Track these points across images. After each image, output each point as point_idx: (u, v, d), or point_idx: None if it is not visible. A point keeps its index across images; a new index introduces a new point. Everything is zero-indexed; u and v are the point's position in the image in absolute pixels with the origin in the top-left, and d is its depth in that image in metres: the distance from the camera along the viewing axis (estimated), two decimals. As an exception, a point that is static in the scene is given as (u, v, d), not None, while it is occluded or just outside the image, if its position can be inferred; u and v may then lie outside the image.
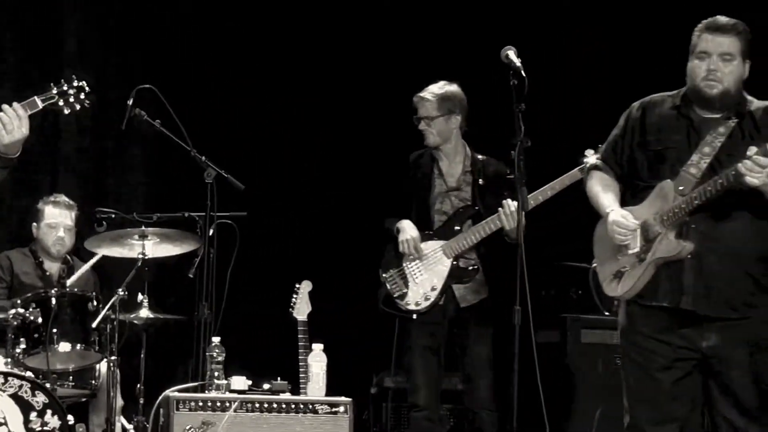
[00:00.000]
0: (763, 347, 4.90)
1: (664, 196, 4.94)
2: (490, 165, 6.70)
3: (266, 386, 6.22)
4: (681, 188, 4.89)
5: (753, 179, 4.67)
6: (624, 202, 5.13)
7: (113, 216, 6.97)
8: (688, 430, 5.02)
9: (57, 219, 7.25)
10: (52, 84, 5.93)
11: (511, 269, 6.52)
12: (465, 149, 6.75)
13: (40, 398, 6.05)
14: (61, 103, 5.88)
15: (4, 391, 6.00)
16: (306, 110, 8.62)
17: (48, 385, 6.21)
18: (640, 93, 5.25)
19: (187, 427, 5.94)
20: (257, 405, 6.04)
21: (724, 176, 4.76)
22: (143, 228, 6.75)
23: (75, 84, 5.96)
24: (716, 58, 4.93)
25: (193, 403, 5.99)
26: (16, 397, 6.00)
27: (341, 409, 6.11)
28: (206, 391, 6.11)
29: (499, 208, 6.38)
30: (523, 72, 5.16)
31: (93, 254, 7.04)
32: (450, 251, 6.55)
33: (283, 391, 6.18)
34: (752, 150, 4.68)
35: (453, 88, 6.68)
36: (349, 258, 6.93)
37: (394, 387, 7.07)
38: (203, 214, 6.57)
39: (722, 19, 4.99)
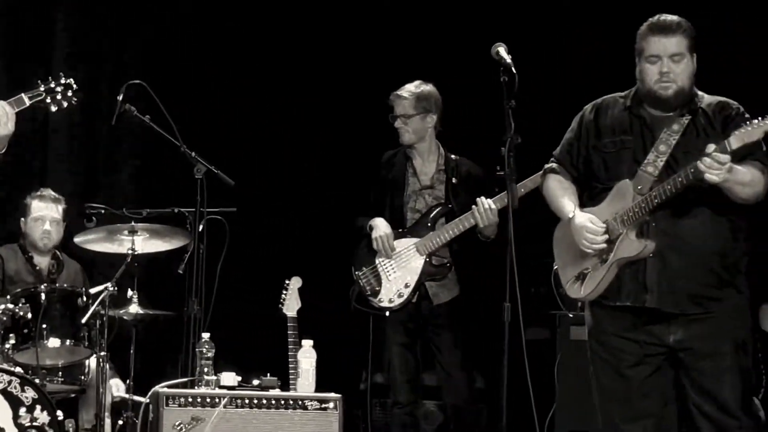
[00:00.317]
0: (738, 338, 4.95)
1: (623, 196, 4.97)
2: (463, 164, 6.80)
3: (256, 382, 6.22)
4: (639, 187, 4.93)
5: (713, 176, 4.70)
6: (582, 205, 5.17)
7: (103, 211, 6.97)
8: (663, 426, 5.05)
9: (43, 212, 7.24)
10: (39, 81, 5.93)
11: (485, 267, 6.59)
12: (439, 148, 6.84)
13: (30, 394, 6.05)
14: (48, 100, 5.87)
15: (-7, 386, 6.00)
16: (295, 106, 8.61)
17: (37, 381, 6.20)
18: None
19: (177, 423, 5.94)
20: (247, 401, 6.04)
21: (684, 174, 4.80)
22: (133, 223, 6.75)
23: (62, 81, 5.96)
24: (667, 60, 4.96)
25: (182, 399, 5.99)
26: (5, 393, 6.00)
27: (331, 405, 6.11)
28: (196, 387, 6.10)
29: (473, 206, 6.42)
30: (513, 69, 5.16)
31: (83, 250, 7.03)
32: (423, 249, 6.60)
33: (273, 387, 6.18)
34: (711, 147, 4.71)
35: (429, 87, 6.77)
36: (339, 254, 6.92)
37: (383, 383, 7.06)
38: (193, 209, 6.56)
39: (666, 19, 5.02)
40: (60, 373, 6.63)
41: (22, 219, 7.30)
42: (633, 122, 5.08)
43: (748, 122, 4.72)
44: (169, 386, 6.09)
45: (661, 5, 5.20)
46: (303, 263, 7.16)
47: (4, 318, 6.34)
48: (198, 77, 8.47)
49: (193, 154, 6.60)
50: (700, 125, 4.94)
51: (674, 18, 5.02)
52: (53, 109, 5.97)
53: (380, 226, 6.65)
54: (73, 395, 6.86)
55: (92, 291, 6.67)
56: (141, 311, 6.67)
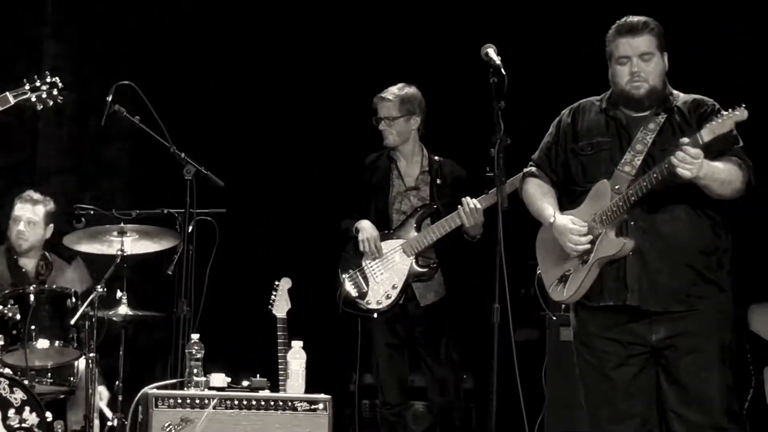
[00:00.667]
0: (720, 335, 4.95)
1: (601, 196, 5.00)
2: (446, 166, 6.84)
3: (245, 383, 6.21)
4: (617, 187, 4.95)
5: (685, 171, 4.72)
6: (562, 208, 5.18)
7: (92, 212, 6.96)
8: (649, 426, 5.05)
9: (18, 213, 7.23)
10: (25, 80, 5.93)
11: (471, 267, 6.60)
12: (422, 150, 6.88)
13: (19, 395, 6.05)
14: (33, 98, 5.88)
15: (-18, 388, 6.00)
16: (285, 108, 8.61)
17: (26, 382, 6.20)
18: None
19: (166, 424, 5.94)
20: (236, 402, 6.03)
21: (659, 170, 4.82)
22: (122, 224, 6.73)
23: (48, 80, 5.97)
24: (636, 60, 5.00)
25: (172, 400, 5.98)
26: (-6, 394, 6.00)
27: (320, 406, 6.11)
28: (185, 388, 6.09)
29: (459, 206, 6.44)
30: (502, 70, 5.17)
31: (73, 251, 7.02)
32: (410, 250, 6.62)
33: (263, 388, 6.18)
34: (684, 140, 4.74)
35: (412, 89, 6.82)
36: (328, 255, 6.92)
37: (372, 384, 7.07)
38: (182, 210, 6.56)
39: (632, 20, 5.07)
40: (49, 374, 6.62)
41: (9, 222, 7.29)
42: (609, 124, 5.10)
43: (718, 114, 4.75)
44: (158, 387, 6.08)
45: (660, 5, 5.22)
46: (292, 264, 7.16)
47: (-7, 319, 6.34)
48: (187, 79, 8.47)
49: (183, 155, 6.60)
50: (676, 123, 4.96)
51: (641, 18, 5.05)
52: (39, 107, 5.98)
53: (367, 229, 6.67)
54: (62, 396, 6.86)
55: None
56: (130, 312, 6.66)
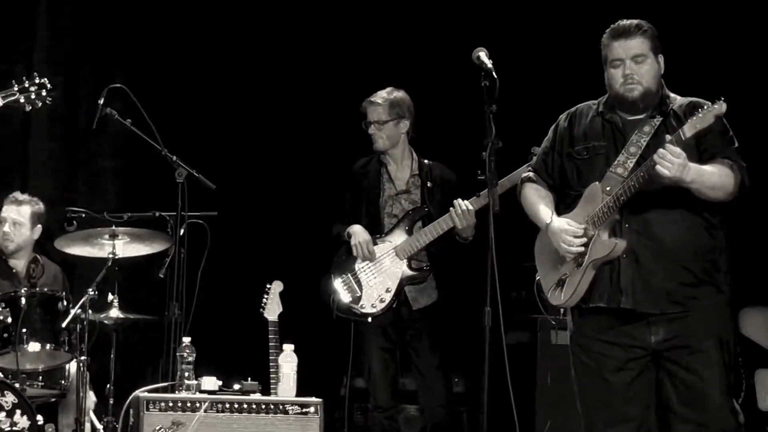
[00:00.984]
0: (717, 336, 4.94)
1: (593, 198, 5.01)
2: (436, 169, 6.85)
3: (237, 386, 6.22)
4: (608, 188, 4.95)
5: (664, 169, 4.72)
6: (559, 212, 5.18)
7: (84, 215, 6.95)
8: (644, 429, 5.04)
9: (3, 214, 7.22)
10: (14, 81, 5.92)
11: (463, 270, 6.61)
12: (412, 154, 6.88)
13: (9, 398, 6.05)
14: (22, 100, 5.88)
15: (-28, 391, 5.99)
16: (277, 111, 8.60)
17: (17, 385, 6.19)
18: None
19: (157, 428, 5.93)
20: (227, 405, 6.03)
21: (645, 168, 4.82)
22: (114, 227, 6.73)
23: (37, 81, 5.96)
24: (630, 62, 5.00)
25: (163, 404, 5.98)
26: (-16, 398, 5.99)
27: (311, 409, 6.11)
28: (176, 392, 6.09)
29: (451, 208, 6.45)
30: (494, 73, 5.17)
31: (63, 254, 7.01)
32: (402, 253, 6.63)
33: (254, 392, 6.18)
34: (667, 137, 4.75)
35: (401, 93, 6.83)
36: (320, 259, 6.91)
37: (364, 388, 7.07)
38: (174, 213, 6.56)
39: (624, 23, 5.08)
40: (40, 377, 6.61)
41: (-3, 224, 7.28)
42: (605, 127, 5.11)
43: (700, 110, 4.75)
44: (149, 391, 6.07)
45: (660, 5, 5.24)
46: (284, 267, 7.15)
47: (-16, 322, 6.32)
48: (179, 82, 8.46)
49: (175, 158, 6.59)
50: (671, 126, 4.94)
51: (634, 21, 5.06)
52: (28, 108, 5.98)
53: (359, 233, 6.67)
54: (53, 400, 6.84)
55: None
56: (121, 315, 6.65)
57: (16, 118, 7.75)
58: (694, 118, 4.73)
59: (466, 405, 7.71)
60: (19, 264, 7.26)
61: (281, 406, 6.09)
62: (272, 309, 6.50)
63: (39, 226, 7.27)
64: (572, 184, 5.15)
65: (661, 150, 4.72)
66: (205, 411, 5.99)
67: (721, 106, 4.72)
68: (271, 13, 8.70)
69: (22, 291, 6.54)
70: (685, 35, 5.05)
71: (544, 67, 8.47)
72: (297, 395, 6.19)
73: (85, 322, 6.49)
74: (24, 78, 6.03)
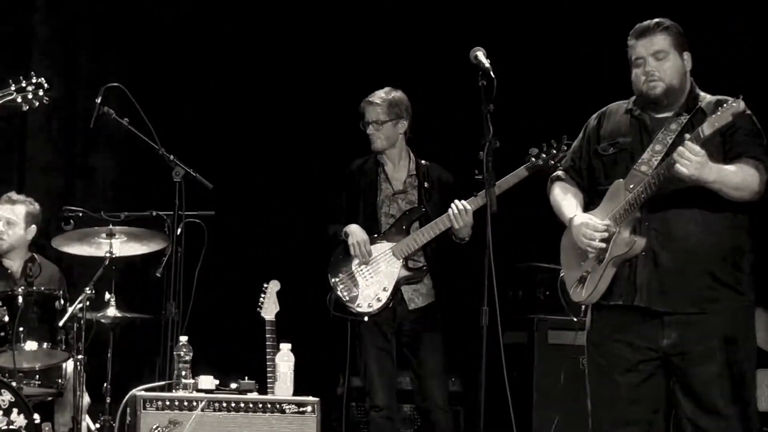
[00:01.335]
0: (731, 340, 4.88)
1: (616, 195, 4.98)
2: (433, 169, 6.86)
3: (233, 386, 6.22)
4: (631, 186, 4.92)
5: (682, 168, 4.69)
6: (586, 210, 5.16)
7: (80, 214, 6.94)
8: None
9: None
10: (11, 81, 5.92)
11: (460, 270, 6.61)
12: (409, 154, 6.89)
13: (6, 397, 6.04)
14: (19, 99, 5.88)
15: (-30, 389, 5.98)
16: (274, 110, 8.61)
17: (14, 384, 6.18)
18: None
19: (154, 427, 5.93)
20: (224, 404, 6.04)
21: (665, 166, 4.79)
22: (111, 227, 6.72)
23: (33, 81, 5.96)
24: (651, 60, 4.98)
25: (160, 403, 5.98)
26: (-19, 396, 5.99)
27: (308, 408, 6.12)
28: (173, 391, 6.10)
29: (449, 209, 6.45)
30: (492, 73, 5.17)
31: (60, 253, 7.01)
32: (399, 253, 6.63)
33: (251, 391, 6.18)
34: (686, 136, 4.72)
35: (399, 93, 6.84)
36: (317, 258, 6.92)
37: (361, 387, 7.08)
38: (171, 213, 6.55)
39: (647, 22, 5.06)
40: (37, 376, 6.60)
41: (-8, 223, 7.28)
42: (633, 125, 5.08)
43: (720, 108, 4.71)
44: (146, 390, 6.08)
45: (660, 5, 5.23)
46: (281, 267, 7.16)
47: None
48: (177, 81, 8.46)
49: (172, 157, 6.59)
50: (699, 123, 4.85)
51: (655, 19, 5.04)
52: (24, 108, 5.98)
53: (356, 233, 6.68)
54: (49, 398, 6.84)
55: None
56: (118, 314, 6.65)
57: (14, 117, 7.74)
58: (713, 116, 4.69)
59: (462, 404, 7.71)
60: (13, 264, 7.25)
61: (278, 405, 6.09)
62: (269, 308, 6.51)
63: (33, 226, 7.25)
64: (600, 182, 5.13)
65: (680, 148, 4.69)
66: (202, 410, 6.00)
67: (739, 104, 4.68)
68: (270, 13, 8.70)
69: (19, 290, 6.53)
70: (685, 35, 5.02)
71: (542, 66, 8.47)
72: (294, 394, 6.19)
73: (82, 321, 6.49)
74: (21, 77, 6.02)
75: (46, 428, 6.46)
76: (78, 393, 6.47)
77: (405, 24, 8.66)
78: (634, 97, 5.14)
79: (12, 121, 8.00)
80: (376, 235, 6.70)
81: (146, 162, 7.22)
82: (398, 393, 6.99)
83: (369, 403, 6.71)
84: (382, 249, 6.67)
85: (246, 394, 6.14)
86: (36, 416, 6.17)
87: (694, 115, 4.95)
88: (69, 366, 6.71)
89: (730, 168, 4.80)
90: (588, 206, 5.19)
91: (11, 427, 6.02)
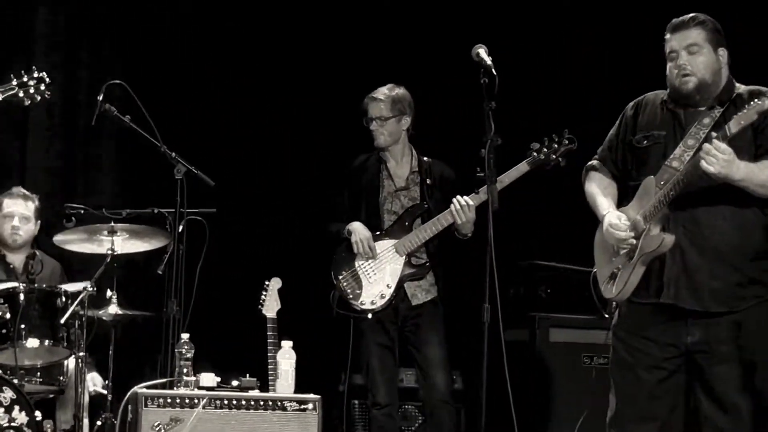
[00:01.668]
0: (756, 340, 4.86)
1: (648, 191, 4.95)
2: (436, 166, 6.87)
3: (235, 383, 6.22)
4: (662, 182, 4.89)
5: (708, 166, 4.66)
6: (620, 204, 5.14)
7: (82, 212, 6.94)
8: (668, 429, 5.01)
9: (11, 208, 7.21)
10: (12, 75, 5.92)
11: (462, 267, 6.61)
12: (411, 151, 6.90)
13: (8, 394, 6.03)
14: (21, 94, 5.87)
15: (-29, 387, 5.98)
16: (276, 108, 8.60)
17: (16, 381, 6.18)
18: (639, 93, 5.27)
19: (156, 424, 5.93)
20: (226, 402, 6.03)
21: (692, 164, 4.77)
22: (112, 224, 6.72)
23: (35, 75, 5.95)
24: (684, 53, 4.95)
25: (161, 400, 5.98)
26: (-17, 394, 5.99)
27: (310, 406, 6.11)
28: (175, 388, 6.09)
29: (451, 205, 6.45)
30: (494, 70, 5.17)
31: (62, 249, 7.01)
32: (402, 249, 6.64)
33: (252, 388, 6.18)
34: (712, 134, 4.69)
35: (402, 90, 6.86)
36: (319, 255, 6.92)
37: (362, 384, 7.08)
38: (173, 210, 6.55)
39: (682, 17, 5.02)
40: (38, 373, 6.59)
41: (-6, 218, 7.28)
42: (666, 118, 5.05)
43: (747, 105, 4.68)
44: (148, 387, 6.08)
45: (661, 5, 5.23)
46: (282, 264, 7.16)
47: (-18, 318, 6.32)
48: (179, 79, 8.45)
49: (174, 154, 6.58)
50: (731, 117, 4.81)
51: (691, 14, 5.01)
52: (26, 103, 5.97)
53: (359, 230, 6.68)
54: (51, 396, 6.83)
55: (71, 288, 6.66)
56: (120, 312, 6.65)
57: (15, 112, 7.73)
58: (740, 114, 4.67)
59: (464, 402, 7.70)
60: (17, 259, 7.26)
61: (280, 403, 6.09)
62: (271, 306, 6.51)
63: (39, 221, 7.29)
64: (632, 175, 5.12)
65: (706, 146, 4.67)
66: (204, 407, 5.99)
67: (764, 102, 4.64)
68: (272, 11, 8.70)
69: (21, 287, 6.53)
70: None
71: (543, 64, 8.47)
72: (295, 392, 6.19)
73: (83, 318, 6.49)
74: (22, 72, 6.02)
75: (48, 426, 6.46)
76: (80, 390, 6.48)
77: (406, 22, 8.66)
78: (669, 90, 5.10)
79: (13, 116, 7.98)
80: (378, 233, 6.71)
81: (148, 159, 7.22)
82: (400, 390, 7.00)
83: (371, 400, 6.72)
84: (385, 246, 6.67)
85: (247, 392, 6.14)
86: (37, 413, 6.17)
87: (728, 109, 4.91)
88: (71, 363, 6.71)
89: (758, 165, 4.78)
90: (622, 198, 5.17)
91: (13, 424, 6.02)
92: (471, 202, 6.43)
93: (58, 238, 6.86)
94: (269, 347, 6.34)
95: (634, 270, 4.96)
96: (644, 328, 4.99)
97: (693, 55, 4.94)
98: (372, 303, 6.63)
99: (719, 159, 4.65)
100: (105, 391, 6.63)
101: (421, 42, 8.56)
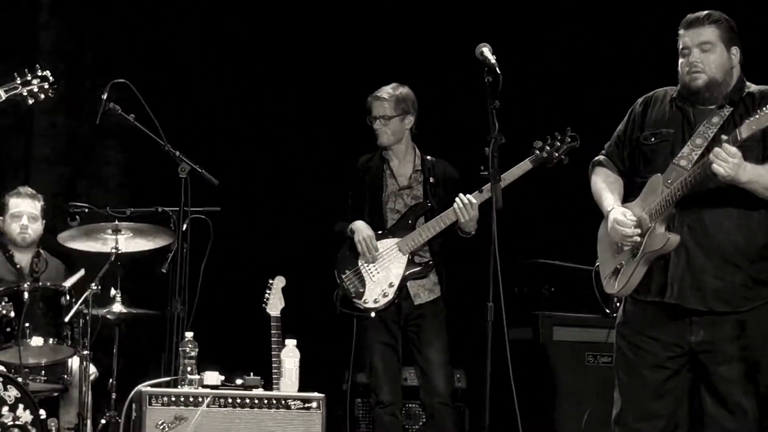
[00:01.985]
0: (761, 341, 4.86)
1: (654, 189, 4.93)
2: (439, 165, 6.87)
3: (239, 381, 6.21)
4: (669, 181, 4.87)
5: (719, 168, 4.65)
6: (626, 200, 5.12)
7: (86, 210, 6.95)
8: (671, 427, 5.01)
9: (20, 208, 7.22)
10: (16, 74, 5.92)
11: (465, 265, 6.61)
12: (414, 150, 6.90)
13: (12, 392, 6.04)
14: (24, 93, 5.87)
15: (-24, 385, 5.99)
16: (280, 107, 8.61)
17: (20, 380, 6.19)
18: (640, 93, 5.27)
19: (160, 422, 5.94)
20: (230, 400, 6.03)
21: (701, 166, 4.75)
22: (116, 222, 6.73)
23: (39, 74, 5.96)
24: (696, 51, 4.92)
25: (165, 398, 5.98)
26: (-13, 392, 6.00)
27: (314, 404, 6.11)
28: (179, 386, 6.09)
29: (454, 203, 6.45)
30: (497, 69, 5.17)
31: (66, 248, 7.01)
32: (405, 248, 6.65)
33: (256, 387, 6.18)
34: (723, 137, 4.67)
35: (406, 89, 6.86)
36: (323, 254, 6.93)
37: (366, 383, 7.08)
38: (177, 209, 6.55)
39: (696, 13, 4.99)
40: (43, 371, 6.61)
41: (0, 217, 7.27)
42: (675, 115, 5.03)
43: (759, 110, 4.66)
44: (152, 385, 6.08)
45: (661, 5, 5.22)
46: (286, 262, 7.16)
47: (-13, 316, 6.33)
48: (183, 77, 8.46)
49: (178, 153, 6.59)
50: (741, 116, 4.82)
51: (705, 11, 4.98)
52: (30, 101, 5.97)
53: (362, 229, 6.69)
54: (55, 394, 6.84)
55: (68, 283, 6.67)
56: (124, 310, 6.66)
57: (19, 112, 7.74)
58: (752, 118, 4.64)
59: (467, 400, 7.71)
60: (23, 258, 7.27)
61: (283, 401, 6.09)
62: (274, 304, 6.51)
63: (44, 220, 7.30)
64: (639, 171, 5.10)
65: (716, 149, 4.64)
66: (208, 406, 6.00)
67: None
68: (274, 11, 8.71)
69: (25, 285, 6.54)
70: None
71: (545, 62, 8.47)
72: (299, 390, 6.18)
73: (87, 317, 6.50)
74: (26, 71, 6.02)
75: (52, 424, 6.47)
76: (84, 389, 6.48)
77: (408, 21, 8.66)
78: (679, 86, 5.08)
79: (18, 115, 7.99)
80: (381, 231, 6.71)
81: (152, 158, 7.22)
82: (403, 389, 7.00)
83: (374, 399, 6.73)
84: (388, 245, 6.68)
85: (251, 390, 6.13)
86: (42, 412, 6.18)
87: (737, 108, 4.90)
88: (75, 362, 6.72)
89: (764, 167, 4.76)
90: (628, 194, 5.16)
91: (17, 422, 6.03)
92: (474, 200, 6.44)
93: (63, 237, 6.85)
94: (273, 346, 6.34)
95: (637, 267, 4.95)
96: (648, 327, 4.98)
97: (705, 53, 4.92)
98: (375, 301, 6.63)
99: (729, 162, 4.64)
100: (93, 373, 6.67)
101: (424, 41, 8.57)
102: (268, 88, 8.61)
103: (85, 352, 6.48)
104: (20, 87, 5.91)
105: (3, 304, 6.36)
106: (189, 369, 6.12)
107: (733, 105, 4.92)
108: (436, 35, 8.55)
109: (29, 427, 6.05)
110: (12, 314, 6.37)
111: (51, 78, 6.06)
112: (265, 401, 6.08)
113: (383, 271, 6.66)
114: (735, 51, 4.99)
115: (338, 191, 6.94)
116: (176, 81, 8.37)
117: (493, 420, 5.15)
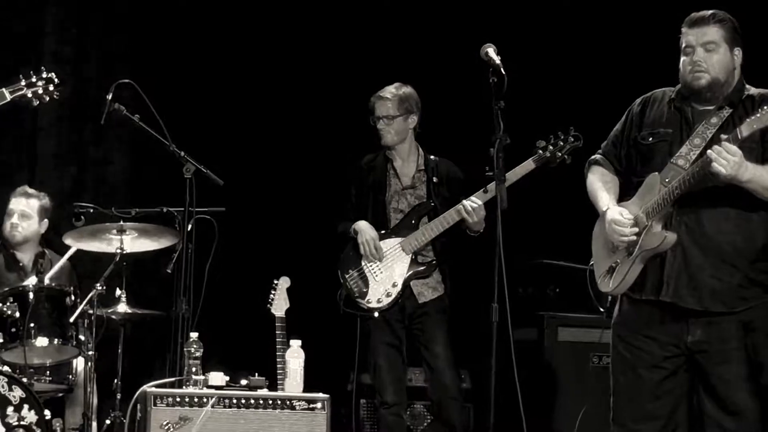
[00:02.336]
0: (758, 341, 4.85)
1: (651, 188, 4.93)
2: (442, 164, 6.89)
3: (244, 382, 6.21)
4: (667, 180, 4.87)
5: (719, 167, 4.64)
6: (622, 199, 5.12)
7: (91, 210, 6.95)
8: (670, 427, 5.00)
9: (11, 206, 7.26)
10: (20, 76, 5.93)
11: (468, 264, 6.61)
12: (418, 149, 6.92)
13: (17, 393, 6.04)
14: (29, 94, 5.88)
15: (-19, 385, 5.99)
16: (284, 106, 8.61)
17: (25, 380, 6.19)
18: (643, 92, 5.26)
19: (164, 423, 5.94)
20: (234, 401, 6.03)
21: (700, 164, 4.75)
22: (121, 223, 6.73)
23: (44, 76, 5.96)
24: (700, 50, 4.91)
25: (170, 399, 5.98)
26: (-8, 392, 6.00)
27: (318, 405, 6.11)
28: (184, 387, 6.10)
29: (460, 205, 6.45)
30: (502, 69, 5.16)
31: (69, 248, 7.02)
32: (409, 247, 6.66)
33: (261, 387, 6.18)
34: (723, 136, 4.67)
35: (409, 89, 6.88)
36: (327, 254, 6.93)
37: (371, 383, 7.08)
38: (182, 209, 6.55)
39: (701, 12, 4.99)
40: (47, 372, 6.61)
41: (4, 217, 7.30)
42: (674, 115, 5.03)
43: (760, 110, 4.66)
44: (157, 386, 6.08)
45: (661, 5, 5.21)
46: (291, 263, 7.15)
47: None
48: (187, 77, 8.47)
49: (182, 153, 6.58)
50: (740, 117, 4.81)
51: (710, 11, 4.98)
52: (35, 103, 5.98)
53: (365, 230, 6.70)
54: (60, 395, 6.85)
55: (56, 267, 6.68)
56: (129, 310, 6.67)
57: (25, 113, 7.75)
58: (752, 117, 4.64)
59: (473, 401, 7.70)
60: (25, 257, 7.29)
61: (288, 402, 6.09)
62: (279, 305, 6.51)
63: (46, 220, 7.31)
64: (636, 171, 5.09)
65: (716, 147, 4.64)
66: (213, 406, 6.00)
67: None
68: (279, 11, 8.71)
69: (30, 285, 6.54)
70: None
71: (548, 62, 8.46)
72: (304, 391, 6.19)
73: (92, 317, 6.50)
74: (31, 72, 6.03)
75: (57, 424, 6.48)
76: (89, 389, 6.49)
77: (412, 21, 8.66)
78: (678, 86, 5.08)
79: (23, 116, 8.00)
80: (384, 231, 6.71)
81: (157, 158, 7.22)
82: (408, 389, 7.00)
83: (378, 399, 6.73)
84: (392, 245, 6.69)
85: (256, 391, 6.13)
86: (47, 412, 6.18)
87: (737, 109, 4.90)
88: (79, 362, 6.72)
89: (764, 168, 4.76)
90: (624, 194, 5.16)
91: (22, 423, 6.03)
92: (479, 201, 6.44)
93: (68, 237, 6.86)
94: (278, 346, 6.34)
95: (633, 266, 4.96)
96: (644, 327, 4.99)
97: (709, 52, 4.91)
98: (378, 301, 6.64)
99: (730, 161, 4.63)
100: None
101: (428, 41, 8.56)
102: (272, 88, 8.61)
103: (90, 353, 6.48)
104: (25, 89, 5.92)
105: (8, 304, 6.37)
106: (194, 369, 6.12)
107: (732, 106, 4.92)
108: (440, 35, 8.55)
109: (34, 428, 6.05)
110: (17, 314, 6.38)
111: (56, 80, 6.06)
112: (270, 402, 6.07)
113: (386, 271, 6.67)
114: (737, 52, 4.99)
115: (342, 190, 6.94)
116: (181, 81, 8.37)
117: (498, 420, 5.15)
